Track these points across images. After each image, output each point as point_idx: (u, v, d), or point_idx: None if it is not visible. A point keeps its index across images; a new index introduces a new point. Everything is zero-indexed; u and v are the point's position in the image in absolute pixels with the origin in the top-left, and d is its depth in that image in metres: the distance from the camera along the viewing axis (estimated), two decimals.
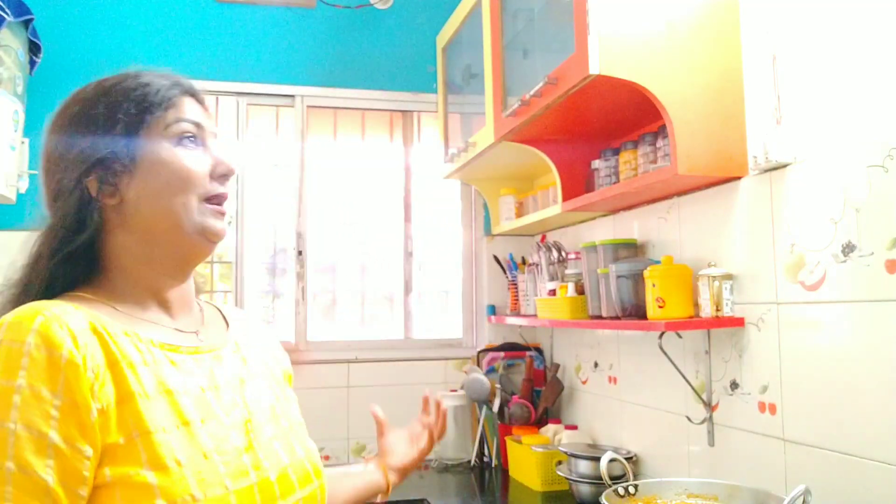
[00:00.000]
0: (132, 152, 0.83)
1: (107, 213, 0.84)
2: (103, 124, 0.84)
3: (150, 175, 0.83)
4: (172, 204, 0.83)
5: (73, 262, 0.83)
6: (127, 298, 0.84)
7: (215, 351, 0.89)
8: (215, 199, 0.87)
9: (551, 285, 2.16)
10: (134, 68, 0.94)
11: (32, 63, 2.29)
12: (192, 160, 0.85)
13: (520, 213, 2.55)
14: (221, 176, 0.88)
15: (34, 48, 2.27)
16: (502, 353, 2.67)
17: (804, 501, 1.20)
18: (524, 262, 2.64)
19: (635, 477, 1.83)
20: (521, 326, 2.70)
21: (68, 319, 0.72)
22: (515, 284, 2.64)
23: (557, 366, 2.50)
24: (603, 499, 1.41)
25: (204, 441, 0.76)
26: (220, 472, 0.75)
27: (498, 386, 2.51)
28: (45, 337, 0.69)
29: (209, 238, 0.86)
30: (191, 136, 0.86)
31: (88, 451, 0.68)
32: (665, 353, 1.64)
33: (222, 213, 0.87)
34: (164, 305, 0.88)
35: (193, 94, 0.91)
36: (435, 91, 2.82)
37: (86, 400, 0.68)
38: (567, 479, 1.95)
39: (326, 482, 0.94)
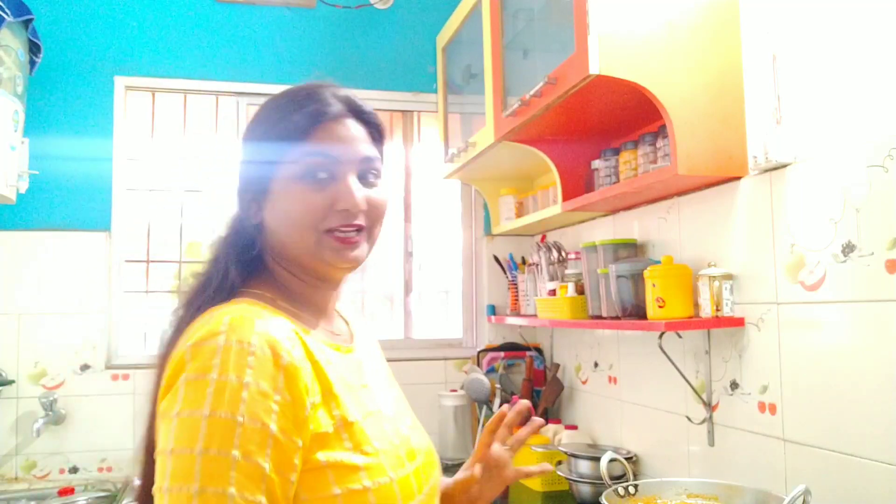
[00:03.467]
0: (267, 178, 0.88)
1: (257, 229, 0.91)
2: (260, 143, 0.90)
3: (277, 204, 0.88)
4: (291, 235, 0.88)
5: (245, 263, 0.90)
6: (289, 299, 0.90)
7: (354, 352, 0.97)
8: (338, 232, 0.87)
9: (551, 285, 2.16)
10: (310, 83, 0.93)
11: (32, 63, 2.29)
12: (311, 196, 0.86)
13: (520, 213, 2.55)
14: (343, 211, 0.87)
15: (34, 48, 2.27)
16: (502, 353, 2.67)
17: (804, 501, 1.20)
18: (524, 262, 2.64)
19: (635, 477, 1.83)
20: (521, 326, 2.70)
21: (279, 323, 0.80)
22: (515, 284, 2.64)
23: (557, 366, 2.50)
24: (603, 499, 1.41)
25: (387, 429, 0.87)
26: (402, 455, 0.86)
27: (498, 386, 2.51)
28: (268, 340, 0.76)
29: (331, 265, 0.89)
30: (319, 172, 0.87)
31: (300, 442, 0.75)
32: (665, 353, 1.64)
33: (347, 243, 0.88)
34: (317, 308, 0.94)
35: (352, 115, 0.91)
36: (435, 91, 2.82)
37: (301, 397, 0.75)
38: (567, 479, 1.95)
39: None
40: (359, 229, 0.89)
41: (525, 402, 1.12)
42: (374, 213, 0.91)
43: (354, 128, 0.90)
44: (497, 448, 1.11)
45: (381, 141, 0.95)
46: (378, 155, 0.93)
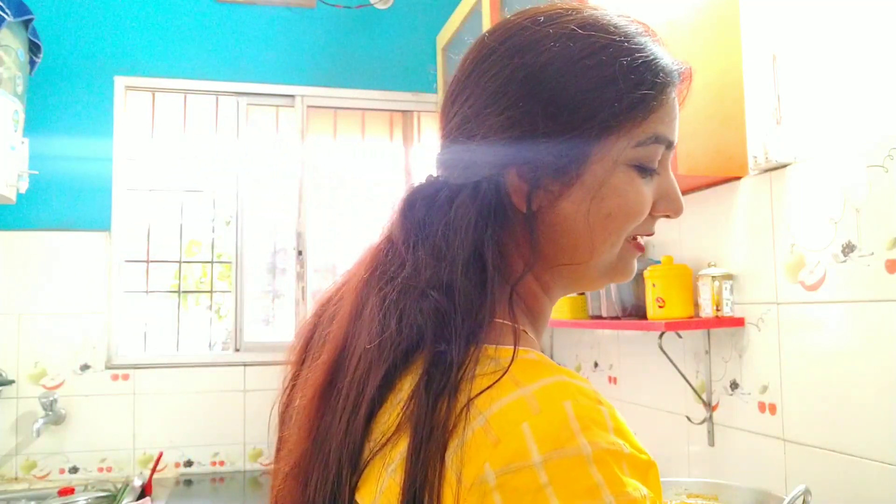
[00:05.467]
0: (584, 154, 0.59)
1: (519, 222, 0.60)
2: (578, 99, 0.58)
3: (595, 195, 0.59)
4: (601, 238, 0.61)
5: (501, 271, 0.60)
6: (531, 328, 0.64)
7: None
8: (635, 239, 0.65)
9: None
10: (635, 20, 0.67)
11: (32, 63, 2.30)
12: (645, 195, 0.61)
13: None
14: (663, 216, 0.65)
15: (34, 48, 2.28)
16: None
17: (804, 501, 1.20)
18: None
19: None
20: None
21: (605, 398, 0.54)
22: None
23: None
24: None
25: None
26: None
27: None
28: (624, 431, 0.51)
29: (614, 279, 0.66)
30: (655, 161, 0.62)
31: None
32: (665, 353, 1.64)
33: (642, 251, 0.66)
34: (540, 330, 0.68)
35: (681, 84, 0.67)
36: (435, 91, 2.82)
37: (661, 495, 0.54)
38: None
39: None
40: None
41: None
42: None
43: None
44: None
45: None
46: None
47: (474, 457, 0.48)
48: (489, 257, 0.56)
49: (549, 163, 0.59)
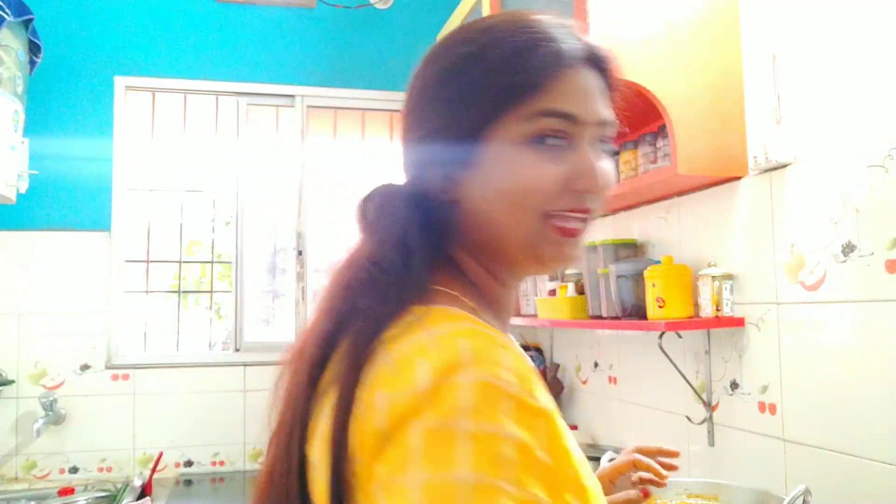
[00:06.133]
0: (473, 143, 0.65)
1: (442, 209, 0.68)
2: (462, 91, 0.65)
3: (488, 176, 0.65)
4: (504, 220, 0.65)
5: (429, 250, 0.66)
6: (484, 305, 0.69)
7: None
8: (559, 219, 0.65)
9: (551, 285, 2.16)
10: (528, 13, 0.68)
11: (32, 63, 2.30)
12: (541, 168, 0.64)
13: None
14: (582, 191, 0.65)
15: (34, 48, 2.28)
16: None
17: (804, 501, 1.20)
18: None
19: None
20: (521, 326, 2.70)
21: (520, 350, 0.59)
22: None
23: (557, 366, 2.50)
24: None
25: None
26: None
27: None
28: (523, 375, 0.53)
29: (544, 265, 0.69)
30: (557, 135, 0.64)
31: None
32: (665, 353, 1.64)
33: (570, 235, 0.66)
34: (507, 316, 0.73)
35: (590, 63, 0.67)
36: None
37: (564, 457, 0.54)
38: None
39: None
40: (584, 218, 0.67)
41: (673, 451, 1.04)
42: (603, 196, 0.69)
43: (593, 80, 0.67)
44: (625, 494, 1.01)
45: (613, 100, 0.71)
46: (614, 119, 0.69)
47: (374, 388, 0.54)
48: (413, 237, 0.65)
49: (450, 155, 0.66)
